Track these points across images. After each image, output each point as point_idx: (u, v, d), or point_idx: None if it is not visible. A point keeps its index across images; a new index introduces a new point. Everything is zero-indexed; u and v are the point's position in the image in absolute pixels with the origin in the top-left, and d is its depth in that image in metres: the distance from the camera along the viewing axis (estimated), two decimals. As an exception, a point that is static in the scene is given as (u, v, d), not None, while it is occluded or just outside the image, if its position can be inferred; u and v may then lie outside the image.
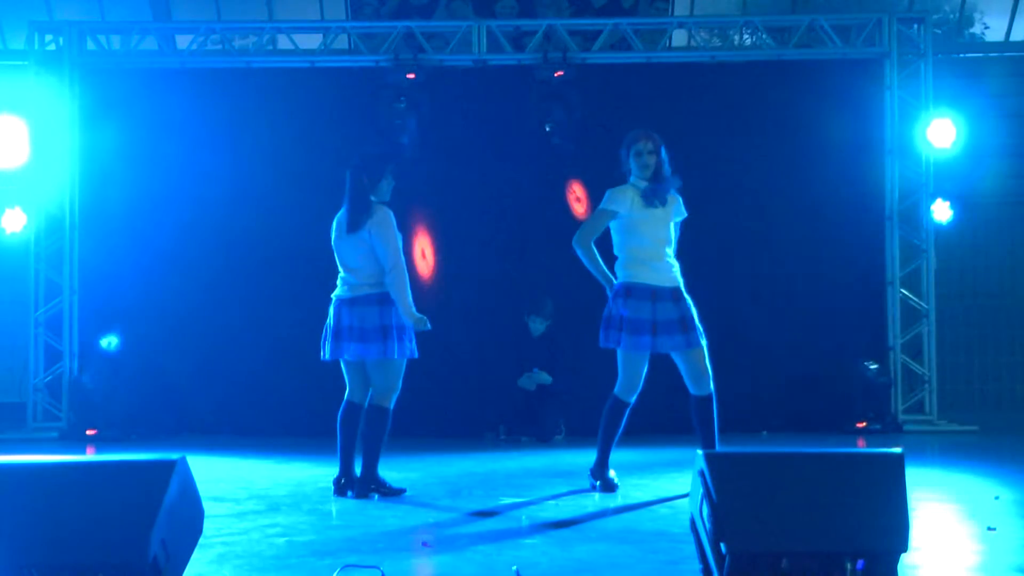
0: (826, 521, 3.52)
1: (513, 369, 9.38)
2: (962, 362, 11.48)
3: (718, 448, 5.81)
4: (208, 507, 4.03)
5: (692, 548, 3.85)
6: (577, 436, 8.89)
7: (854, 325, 9.79)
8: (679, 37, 11.51)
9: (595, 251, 6.09)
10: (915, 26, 10.15)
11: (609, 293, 6.08)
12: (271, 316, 9.70)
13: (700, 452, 3.72)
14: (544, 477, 6.95)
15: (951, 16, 13.06)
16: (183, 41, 10.65)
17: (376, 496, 6.03)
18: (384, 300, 5.96)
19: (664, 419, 8.10)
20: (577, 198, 9.71)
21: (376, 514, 5.59)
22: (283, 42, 10.81)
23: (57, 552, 3.46)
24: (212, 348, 9.75)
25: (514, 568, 4.03)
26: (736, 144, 9.75)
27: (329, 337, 6.09)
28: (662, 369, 6.17)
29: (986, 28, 13.21)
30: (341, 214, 6.15)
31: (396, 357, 5.96)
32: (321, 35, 10.50)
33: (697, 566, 3.80)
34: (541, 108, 9.62)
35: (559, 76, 9.61)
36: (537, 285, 9.55)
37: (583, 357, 9.15)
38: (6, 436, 9.49)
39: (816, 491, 3.56)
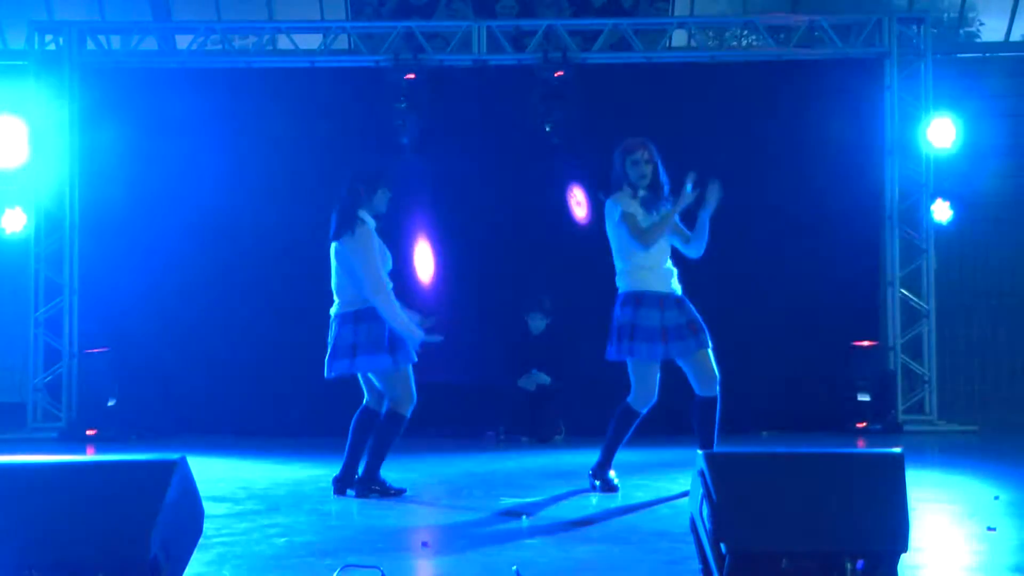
0: (826, 521, 3.52)
1: (513, 369, 9.38)
2: (962, 362, 11.47)
3: (716, 449, 5.81)
4: (208, 507, 4.03)
5: (692, 548, 3.85)
6: (577, 436, 8.89)
7: (854, 325, 9.78)
8: (679, 37, 11.50)
9: (651, 223, 5.96)
10: (915, 26, 10.15)
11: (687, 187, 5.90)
12: (271, 316, 9.70)
13: (700, 452, 3.72)
14: (544, 477, 6.95)
15: (946, 16, 13.06)
16: (183, 41, 10.65)
17: (376, 496, 6.02)
18: (360, 318, 5.95)
19: (664, 419, 8.07)
20: (577, 202, 9.72)
21: (376, 514, 5.59)
22: (283, 42, 10.80)
23: (57, 552, 3.46)
24: (212, 348, 9.75)
25: (514, 568, 4.03)
26: (736, 144, 9.74)
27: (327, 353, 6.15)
28: (662, 369, 6.16)
29: (981, 24, 13.19)
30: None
31: (368, 371, 5.96)
32: (321, 35, 10.49)
33: (697, 566, 3.80)
34: (541, 108, 9.62)
35: (559, 76, 9.61)
36: (537, 285, 9.55)
37: (583, 357, 9.15)
38: (6, 436, 9.48)
39: (816, 491, 3.56)
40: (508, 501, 5.94)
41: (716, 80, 9.93)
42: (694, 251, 6.22)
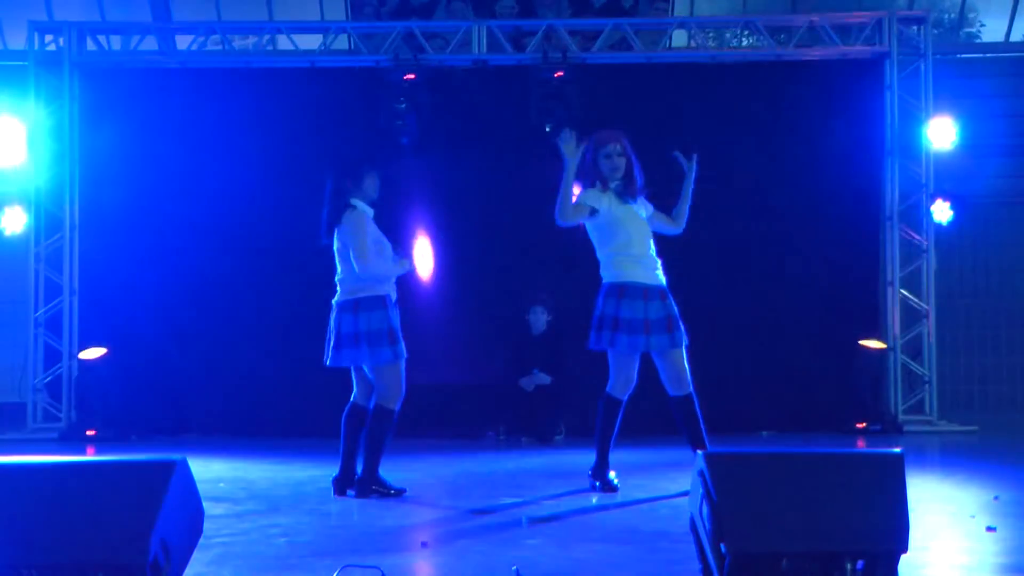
0: (826, 521, 3.52)
1: (513, 369, 9.38)
2: (962, 362, 11.47)
3: (708, 445, 5.82)
4: (208, 507, 4.03)
5: (692, 548, 3.85)
6: (577, 436, 8.89)
7: (854, 325, 9.78)
8: (679, 37, 11.50)
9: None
10: (915, 26, 10.15)
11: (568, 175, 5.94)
12: (271, 316, 9.70)
13: (700, 452, 3.72)
14: (544, 477, 6.95)
15: (947, 17, 13.06)
16: (183, 41, 10.65)
17: (376, 496, 6.02)
18: (360, 306, 5.96)
19: (664, 419, 8.07)
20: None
21: (376, 514, 5.59)
22: (283, 42, 10.80)
23: (57, 552, 3.45)
24: (212, 348, 9.75)
25: (514, 568, 4.03)
26: (736, 144, 9.74)
27: (326, 342, 6.14)
28: (654, 369, 6.16)
29: (982, 26, 13.20)
30: None
31: (368, 363, 5.96)
32: (321, 35, 10.49)
33: (697, 566, 3.79)
34: (541, 108, 9.61)
35: (559, 76, 9.60)
36: (537, 286, 9.55)
37: (583, 357, 9.14)
38: (6, 436, 9.49)
39: (816, 491, 3.56)
40: (508, 501, 5.94)
41: (716, 80, 9.93)
42: (677, 226, 6.31)
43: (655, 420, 7.76)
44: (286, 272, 9.61)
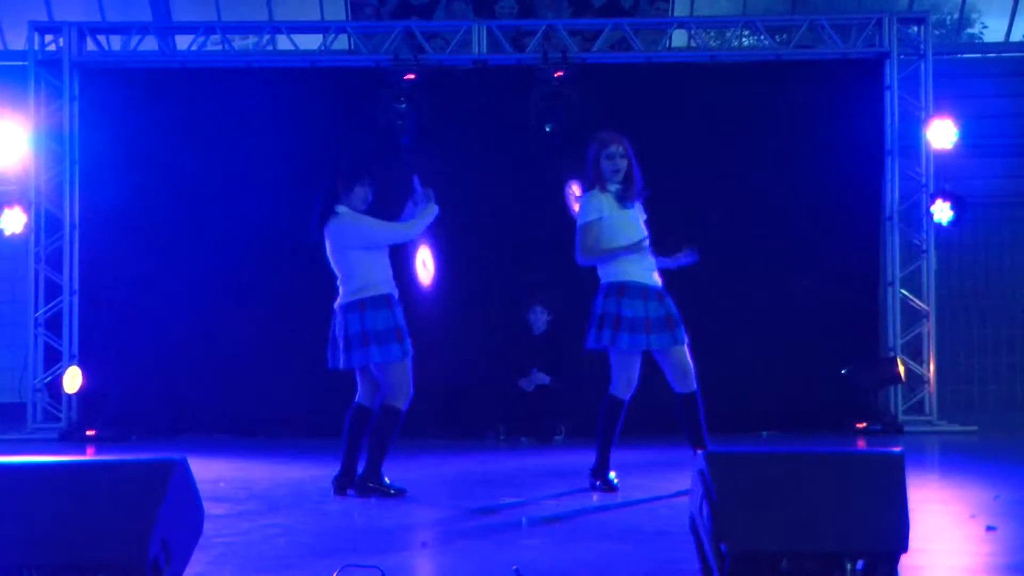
0: (826, 521, 3.52)
1: (513, 369, 9.38)
2: (962, 362, 11.47)
3: (708, 445, 5.82)
4: (208, 507, 4.03)
5: (692, 548, 3.85)
6: (577, 436, 8.89)
7: (854, 325, 9.78)
8: (679, 37, 11.50)
9: (600, 247, 6.05)
10: (915, 26, 10.15)
11: (630, 252, 5.98)
12: (271, 316, 9.70)
13: (700, 452, 3.72)
14: (544, 477, 6.96)
15: (948, 18, 13.06)
16: (183, 41, 10.65)
17: (376, 496, 6.02)
18: (366, 306, 5.96)
19: (664, 419, 8.07)
20: (576, 199, 9.70)
21: (376, 514, 5.59)
22: (283, 42, 10.80)
23: (57, 552, 3.46)
24: (212, 348, 9.74)
25: (514, 568, 4.03)
26: (736, 144, 9.75)
27: (328, 346, 6.14)
28: (655, 369, 6.16)
29: (984, 27, 13.21)
30: None
31: (378, 361, 5.95)
32: (321, 35, 10.49)
33: (697, 566, 3.80)
34: (541, 108, 9.62)
35: (559, 76, 9.60)
36: (537, 286, 9.56)
37: (583, 357, 9.14)
38: (6, 436, 9.48)
39: (816, 491, 3.56)
40: (508, 501, 5.94)
41: (716, 80, 9.92)
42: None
43: (655, 420, 7.77)
44: (286, 272, 9.60)
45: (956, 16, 13.41)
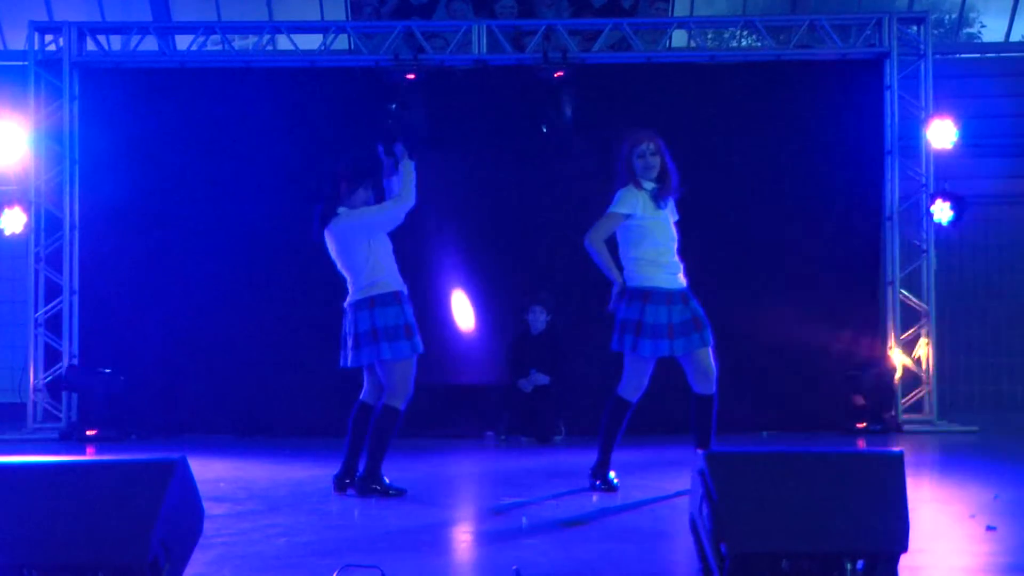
0: (826, 521, 3.52)
1: (513, 369, 9.38)
2: (962, 362, 11.47)
3: (715, 448, 5.81)
4: (208, 507, 4.03)
5: (692, 547, 3.85)
6: (577, 436, 8.89)
7: (854, 325, 9.78)
8: (679, 37, 11.50)
9: (606, 249, 6.05)
10: (915, 26, 10.15)
11: (615, 289, 6.02)
12: (271, 316, 9.70)
13: (700, 452, 3.72)
14: (544, 477, 6.95)
15: (948, 18, 13.06)
16: (183, 41, 10.65)
17: (376, 496, 6.02)
18: (376, 303, 5.97)
19: (664, 419, 8.10)
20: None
21: (376, 514, 5.59)
22: (283, 42, 10.81)
23: (57, 552, 3.45)
24: (212, 348, 9.75)
25: (514, 568, 4.03)
26: (736, 144, 9.75)
27: (342, 343, 6.15)
28: (662, 368, 6.16)
29: (983, 27, 13.21)
30: None
31: (388, 357, 5.95)
32: (321, 35, 10.49)
33: (697, 566, 3.80)
34: (541, 108, 9.62)
35: (559, 76, 9.60)
36: (537, 286, 9.56)
37: (583, 357, 9.16)
38: (6, 436, 9.49)
39: (816, 491, 3.56)
40: (508, 501, 5.94)
41: (716, 80, 9.93)
42: None
43: (655, 420, 7.78)
44: (286, 272, 9.62)
45: (955, 16, 13.42)
